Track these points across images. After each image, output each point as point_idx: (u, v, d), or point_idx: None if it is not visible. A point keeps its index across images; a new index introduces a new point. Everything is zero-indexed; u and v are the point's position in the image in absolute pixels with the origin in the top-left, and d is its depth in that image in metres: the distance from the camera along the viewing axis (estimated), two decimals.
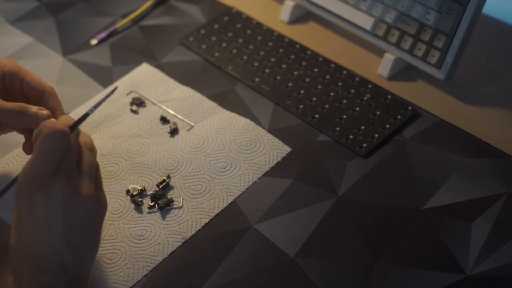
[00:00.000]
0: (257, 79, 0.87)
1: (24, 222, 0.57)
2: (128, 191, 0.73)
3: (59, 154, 0.57)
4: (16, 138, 0.80)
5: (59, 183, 0.57)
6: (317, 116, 0.82)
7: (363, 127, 0.80)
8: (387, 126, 0.80)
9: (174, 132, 0.80)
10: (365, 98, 0.84)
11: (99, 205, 0.60)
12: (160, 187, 0.73)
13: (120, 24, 0.96)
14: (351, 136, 0.79)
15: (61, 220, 0.57)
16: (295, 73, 0.88)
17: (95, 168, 0.61)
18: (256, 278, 0.66)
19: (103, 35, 0.94)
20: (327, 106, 0.83)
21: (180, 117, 0.82)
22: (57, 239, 0.57)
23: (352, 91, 0.85)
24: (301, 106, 0.83)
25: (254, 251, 0.68)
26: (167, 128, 0.80)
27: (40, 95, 0.69)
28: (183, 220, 0.71)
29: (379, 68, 0.88)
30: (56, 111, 0.68)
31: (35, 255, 0.57)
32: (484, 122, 0.81)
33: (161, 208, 0.71)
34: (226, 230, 0.70)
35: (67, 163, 0.58)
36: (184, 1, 1.01)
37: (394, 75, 0.88)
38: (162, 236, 0.69)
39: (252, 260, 0.67)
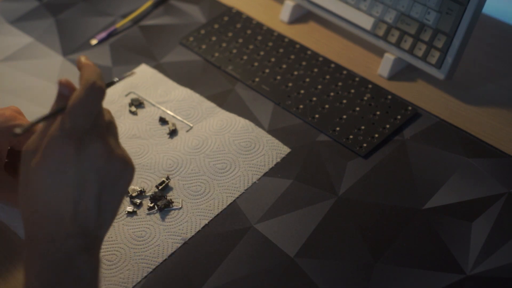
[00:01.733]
0: (257, 79, 0.87)
1: (49, 180, 0.54)
2: (127, 192, 0.73)
3: (96, 111, 0.56)
4: None
5: (95, 141, 0.55)
6: (317, 116, 0.82)
7: (363, 127, 0.80)
8: (387, 126, 0.80)
9: (173, 133, 0.80)
10: (365, 98, 0.84)
11: (129, 165, 0.58)
12: (160, 188, 0.73)
13: (120, 24, 0.96)
14: (351, 136, 0.79)
15: (95, 179, 0.55)
16: (295, 73, 0.88)
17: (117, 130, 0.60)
18: (256, 278, 0.66)
19: (103, 35, 0.94)
20: (327, 106, 0.83)
21: (179, 118, 0.82)
22: (87, 199, 0.55)
23: (352, 91, 0.85)
24: (301, 106, 0.83)
25: (254, 251, 0.68)
26: (166, 129, 0.80)
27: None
28: (183, 221, 0.71)
29: (379, 68, 0.88)
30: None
31: (56, 217, 0.54)
32: (484, 122, 0.81)
33: (160, 210, 0.71)
34: (226, 230, 0.70)
35: (100, 122, 0.57)
36: (184, 1, 1.01)
37: (394, 75, 0.88)
38: (162, 237, 0.69)
39: (252, 260, 0.67)
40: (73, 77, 0.88)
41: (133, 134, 0.80)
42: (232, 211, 0.72)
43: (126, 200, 0.73)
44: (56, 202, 0.54)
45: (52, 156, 0.54)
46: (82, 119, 0.55)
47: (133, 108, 0.83)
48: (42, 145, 0.54)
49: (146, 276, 0.66)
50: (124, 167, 0.57)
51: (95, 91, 0.56)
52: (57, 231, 0.54)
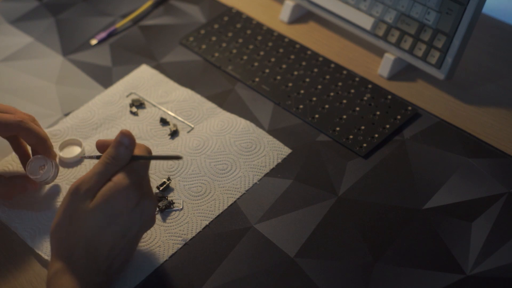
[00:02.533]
0: (257, 79, 0.87)
1: (101, 223, 0.59)
2: None
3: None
4: None
5: (151, 198, 0.62)
6: (317, 116, 0.82)
7: (363, 127, 0.80)
8: (387, 126, 0.80)
9: (174, 134, 0.80)
10: (365, 98, 0.84)
11: (153, 220, 0.65)
12: (161, 189, 0.73)
13: (120, 24, 0.96)
14: (351, 136, 0.79)
15: (136, 232, 0.62)
16: (295, 73, 0.88)
17: None
18: (256, 278, 0.66)
19: (103, 35, 0.94)
20: (327, 106, 0.83)
21: (180, 119, 0.82)
22: (121, 246, 0.61)
23: (352, 91, 0.85)
24: (301, 106, 0.83)
25: (254, 251, 0.68)
26: (167, 130, 0.80)
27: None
28: (184, 222, 0.71)
29: (379, 68, 0.88)
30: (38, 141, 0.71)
31: (93, 255, 0.59)
32: (484, 122, 0.81)
33: (161, 211, 0.71)
34: (226, 230, 0.70)
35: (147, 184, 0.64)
36: (184, 1, 1.01)
37: (394, 75, 0.88)
38: (163, 238, 0.69)
39: (252, 260, 0.67)
40: (73, 77, 0.89)
41: (134, 134, 0.79)
42: (232, 211, 0.72)
43: None
44: (99, 243, 0.60)
45: (114, 203, 0.60)
46: (147, 173, 0.62)
47: (134, 109, 0.83)
48: (101, 189, 0.60)
49: (147, 277, 0.66)
50: (152, 219, 0.65)
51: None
52: (90, 266, 0.60)
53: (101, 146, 0.65)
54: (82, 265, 0.59)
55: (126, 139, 0.62)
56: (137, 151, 0.63)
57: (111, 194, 0.60)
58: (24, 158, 0.73)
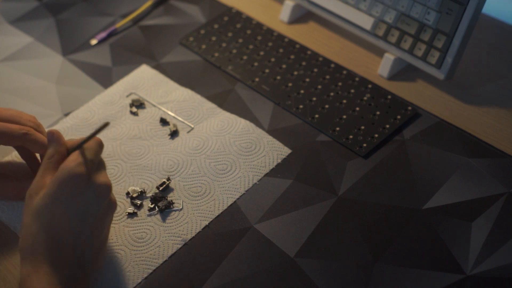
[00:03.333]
0: (257, 79, 0.87)
1: (58, 210, 0.59)
2: (128, 193, 0.73)
3: (101, 150, 0.65)
4: None
5: (101, 176, 0.62)
6: (317, 116, 0.82)
7: (363, 127, 0.80)
8: (387, 126, 0.80)
9: (174, 134, 0.80)
10: (365, 98, 0.84)
11: (114, 202, 0.65)
12: (160, 189, 0.73)
13: (120, 24, 0.96)
14: (351, 136, 0.79)
15: (94, 213, 0.62)
16: (295, 73, 0.88)
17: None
18: (256, 278, 0.66)
19: (103, 35, 0.94)
20: (327, 106, 0.83)
21: (180, 119, 0.82)
22: (86, 232, 0.61)
23: (352, 91, 0.85)
24: (301, 106, 0.83)
25: (254, 251, 0.68)
26: (167, 130, 0.80)
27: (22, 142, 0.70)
28: (183, 222, 0.71)
29: (379, 68, 0.88)
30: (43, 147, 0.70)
31: (57, 246, 0.59)
32: (484, 122, 0.81)
33: (161, 211, 0.71)
34: (226, 230, 0.70)
35: (102, 160, 0.65)
36: (184, 1, 1.01)
37: (394, 75, 0.88)
38: (162, 238, 0.69)
39: (252, 260, 0.67)
40: (73, 77, 0.89)
41: (134, 135, 0.80)
42: (232, 211, 0.72)
43: (127, 201, 0.73)
44: (57, 231, 0.59)
45: (61, 187, 0.60)
46: (94, 156, 0.63)
47: (134, 109, 0.83)
48: (48, 180, 0.60)
49: (146, 277, 0.66)
50: (111, 204, 0.64)
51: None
52: (56, 258, 0.59)
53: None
54: (47, 259, 0.58)
55: (50, 135, 0.64)
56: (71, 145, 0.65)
57: (55, 180, 0.60)
58: (34, 165, 0.72)
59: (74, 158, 0.61)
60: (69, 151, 0.63)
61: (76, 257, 0.60)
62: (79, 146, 0.63)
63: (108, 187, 0.62)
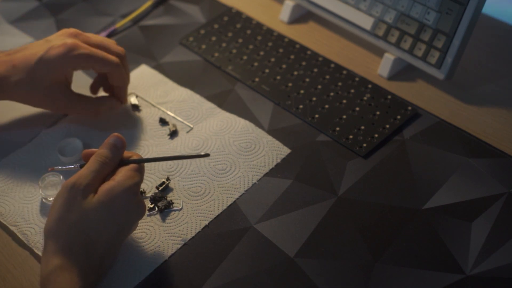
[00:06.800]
0: (257, 79, 0.87)
1: (103, 218, 0.61)
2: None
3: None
4: (16, 138, 0.80)
5: (142, 203, 0.64)
6: (317, 116, 0.82)
7: (363, 127, 0.80)
8: (387, 126, 0.80)
9: (173, 134, 0.80)
10: (365, 98, 0.84)
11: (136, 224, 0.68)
12: (160, 189, 0.73)
13: (120, 24, 0.96)
14: (351, 136, 0.79)
15: (126, 234, 0.65)
16: (295, 73, 0.88)
17: None
18: (256, 278, 0.66)
19: (103, 35, 0.94)
20: (327, 106, 0.83)
21: (179, 119, 0.82)
22: (115, 245, 0.63)
23: (352, 91, 0.85)
24: (301, 106, 0.83)
25: (254, 251, 0.68)
26: (166, 130, 0.80)
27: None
28: (183, 222, 0.71)
29: (379, 68, 0.88)
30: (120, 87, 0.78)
31: (92, 250, 0.61)
32: (484, 122, 0.81)
33: (161, 211, 0.71)
34: (226, 230, 0.70)
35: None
36: (184, 1, 1.01)
37: (394, 75, 0.88)
38: (162, 238, 0.69)
39: (252, 260, 0.67)
40: (73, 77, 0.88)
41: (134, 134, 0.80)
42: (232, 211, 0.72)
43: None
44: (97, 239, 0.61)
45: (117, 202, 0.62)
46: (142, 178, 0.65)
47: (134, 109, 0.83)
48: (103, 187, 0.62)
49: (146, 277, 0.66)
50: (137, 223, 0.67)
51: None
52: (87, 263, 0.60)
53: (88, 156, 0.66)
54: (80, 261, 0.59)
55: (119, 141, 0.65)
56: (127, 156, 0.66)
57: (114, 193, 0.61)
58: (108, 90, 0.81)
59: (132, 175, 0.63)
60: (123, 162, 0.65)
61: (98, 265, 0.61)
62: (139, 162, 0.65)
63: (145, 209, 0.65)
